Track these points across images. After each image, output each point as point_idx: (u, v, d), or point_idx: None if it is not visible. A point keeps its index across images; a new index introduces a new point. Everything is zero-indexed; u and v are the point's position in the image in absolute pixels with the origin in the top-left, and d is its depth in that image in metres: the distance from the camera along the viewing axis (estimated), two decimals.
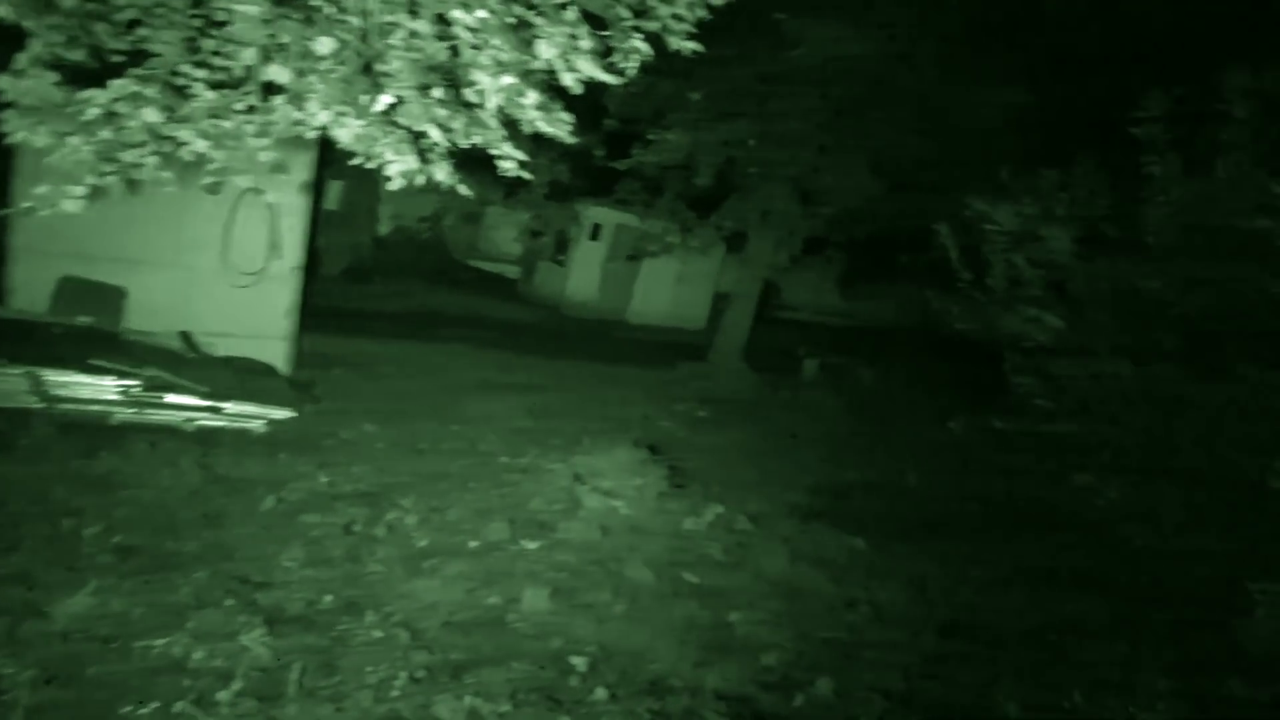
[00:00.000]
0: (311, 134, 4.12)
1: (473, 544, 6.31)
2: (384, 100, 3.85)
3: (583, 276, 18.64)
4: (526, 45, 4.25)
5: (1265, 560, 5.47)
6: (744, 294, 14.74)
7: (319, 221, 12.96)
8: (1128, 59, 11.71)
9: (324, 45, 3.70)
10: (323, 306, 13.79)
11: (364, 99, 3.84)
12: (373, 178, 4.46)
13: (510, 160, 4.50)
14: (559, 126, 4.59)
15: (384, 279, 17.44)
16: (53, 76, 3.83)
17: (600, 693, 4.76)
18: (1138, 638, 5.65)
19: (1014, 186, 7.49)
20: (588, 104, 4.88)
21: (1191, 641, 5.51)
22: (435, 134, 4.10)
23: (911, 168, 12.01)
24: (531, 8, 4.20)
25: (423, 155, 4.37)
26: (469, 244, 21.81)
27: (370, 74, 3.95)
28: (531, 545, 6.40)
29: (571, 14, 4.30)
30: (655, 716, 4.64)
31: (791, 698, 5.08)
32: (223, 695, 4.15)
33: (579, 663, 5.03)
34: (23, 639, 4.32)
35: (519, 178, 4.63)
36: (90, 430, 7.00)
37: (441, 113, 4.06)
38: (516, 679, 4.79)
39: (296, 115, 3.99)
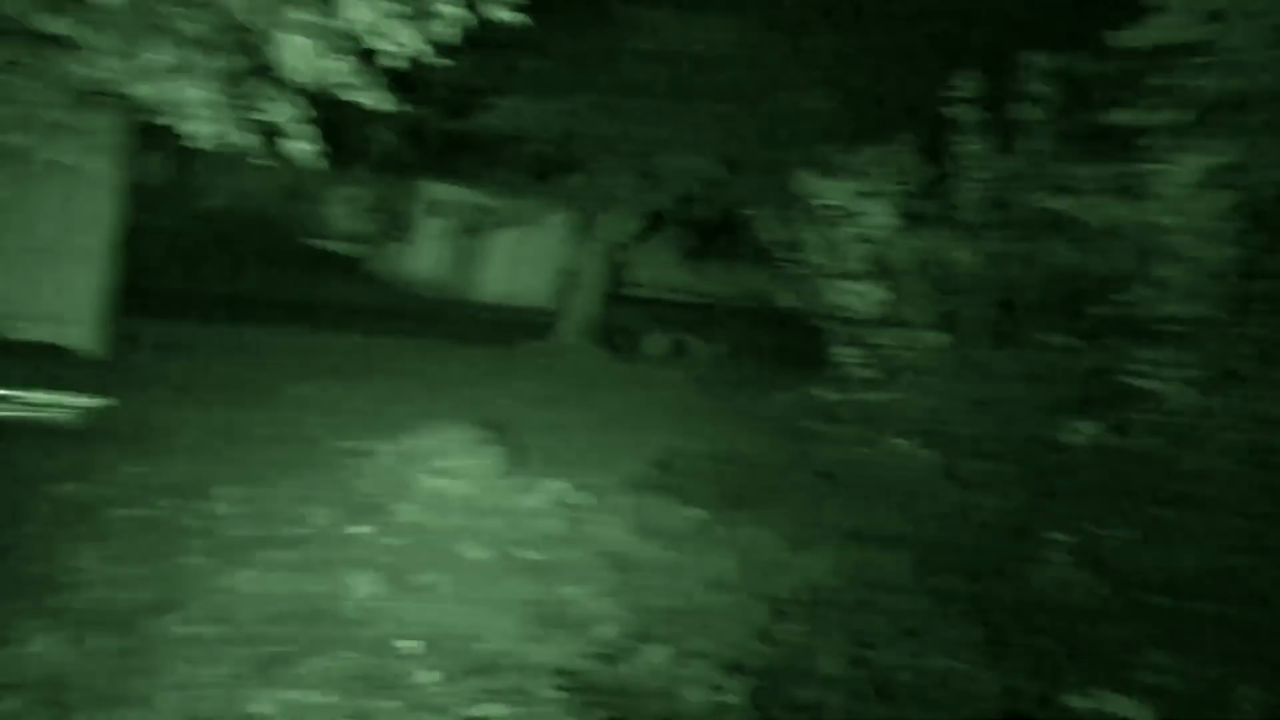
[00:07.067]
0: (104, 91, 3.83)
1: (296, 531, 6.08)
2: (170, 60, 3.59)
3: (426, 255, 18.25)
4: (332, 9, 4.07)
5: (1058, 513, 5.92)
6: (589, 271, 14.77)
7: (136, 195, 12.10)
8: (947, 45, 12.41)
9: None
10: (142, 287, 12.95)
11: (151, 57, 3.58)
12: (199, 150, 4.17)
13: (302, 145, 4.31)
14: (377, 98, 4.44)
15: (213, 257, 16.54)
16: None
17: (430, 675, 4.68)
18: (942, 590, 6.03)
19: (839, 164, 7.76)
20: (421, 76, 4.73)
21: (992, 591, 5.93)
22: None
23: (746, 149, 12.32)
24: None
25: (235, 122, 4.13)
26: (307, 221, 20.93)
27: (161, 31, 3.68)
28: (360, 530, 6.23)
29: None
30: (485, 695, 4.60)
31: (622, 667, 5.14)
32: (8, 707, 3.85)
33: (408, 646, 4.94)
34: None
35: (351, 150, 4.46)
36: None
37: (234, 79, 3.84)
38: (341, 668, 4.65)
39: (84, 71, 3.69)
